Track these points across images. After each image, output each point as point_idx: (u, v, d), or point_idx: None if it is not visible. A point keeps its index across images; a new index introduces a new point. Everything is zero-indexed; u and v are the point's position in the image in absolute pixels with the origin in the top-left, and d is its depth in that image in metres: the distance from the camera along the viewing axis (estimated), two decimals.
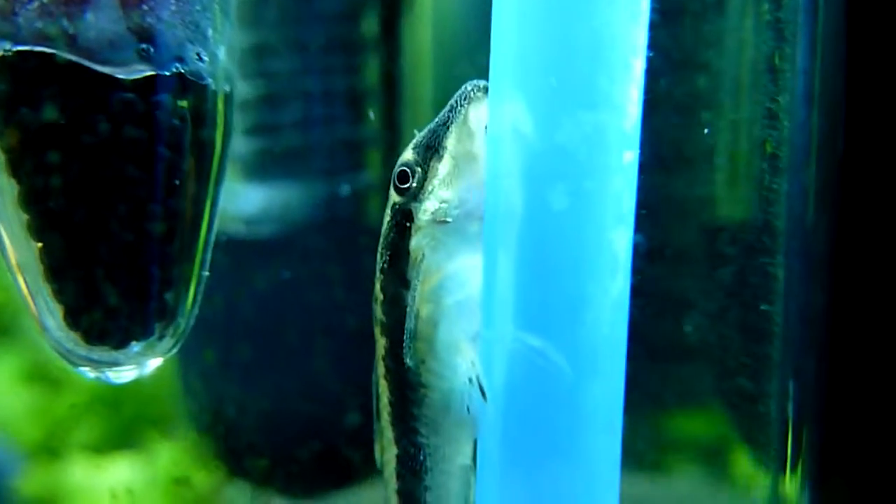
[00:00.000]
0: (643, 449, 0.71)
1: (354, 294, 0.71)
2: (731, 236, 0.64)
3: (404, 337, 0.41)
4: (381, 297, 0.42)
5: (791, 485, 0.66)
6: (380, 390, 0.44)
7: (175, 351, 0.43)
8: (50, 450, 0.91)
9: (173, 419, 0.90)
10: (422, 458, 0.43)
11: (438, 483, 0.43)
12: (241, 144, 0.72)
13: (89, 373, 0.42)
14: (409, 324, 0.41)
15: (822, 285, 0.65)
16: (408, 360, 0.41)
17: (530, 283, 0.40)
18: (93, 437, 0.92)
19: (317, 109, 0.75)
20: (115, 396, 0.94)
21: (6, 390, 0.94)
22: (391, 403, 0.43)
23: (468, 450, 0.43)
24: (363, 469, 0.75)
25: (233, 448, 0.80)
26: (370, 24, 0.78)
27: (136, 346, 0.41)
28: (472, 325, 0.41)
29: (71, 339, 0.41)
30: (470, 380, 0.40)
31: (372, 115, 0.48)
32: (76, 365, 0.42)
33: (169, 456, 0.91)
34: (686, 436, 0.75)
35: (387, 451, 0.44)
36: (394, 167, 0.43)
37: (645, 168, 0.41)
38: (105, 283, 0.40)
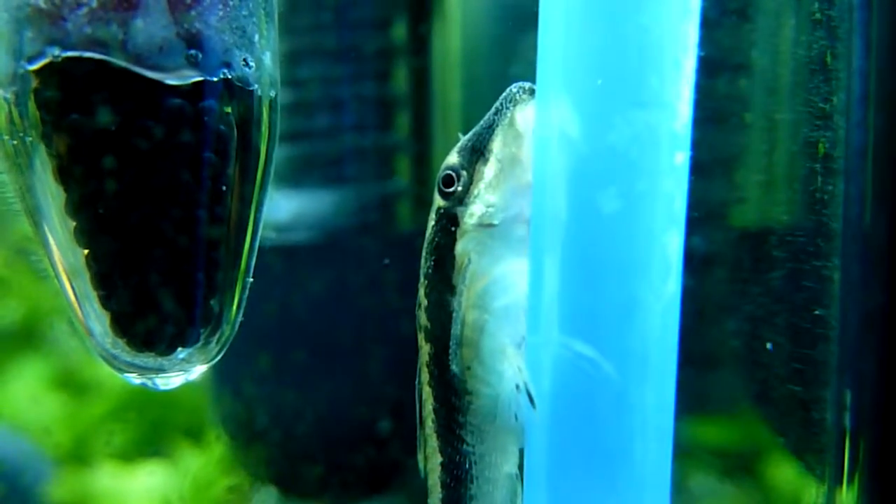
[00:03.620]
0: (689, 459, 0.71)
1: (388, 300, 0.72)
2: (784, 239, 0.64)
3: (450, 343, 0.41)
4: (425, 302, 0.43)
5: (847, 497, 0.65)
6: (424, 397, 0.44)
7: (220, 357, 0.44)
8: (78, 456, 0.92)
9: (203, 427, 0.91)
10: (467, 466, 0.43)
11: (484, 492, 0.43)
12: None
13: (135, 379, 0.43)
14: (456, 329, 0.41)
15: (881, 289, 0.64)
16: (454, 367, 0.41)
17: (578, 288, 0.40)
18: (122, 444, 0.93)
19: (347, 116, 0.76)
20: (144, 404, 0.95)
21: (34, 397, 0.95)
22: (436, 411, 0.43)
23: (515, 458, 0.44)
24: (404, 475, 0.76)
25: (263, 454, 0.80)
26: (400, 31, 0.79)
27: (181, 353, 0.42)
28: (518, 331, 0.41)
29: (118, 346, 0.41)
30: (517, 386, 0.40)
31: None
32: (122, 371, 0.42)
33: (199, 463, 0.91)
34: (736, 445, 0.74)
35: (431, 460, 0.44)
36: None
37: (694, 170, 0.41)
38: (152, 290, 0.40)
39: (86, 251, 0.40)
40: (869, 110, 0.57)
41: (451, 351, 0.41)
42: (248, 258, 0.43)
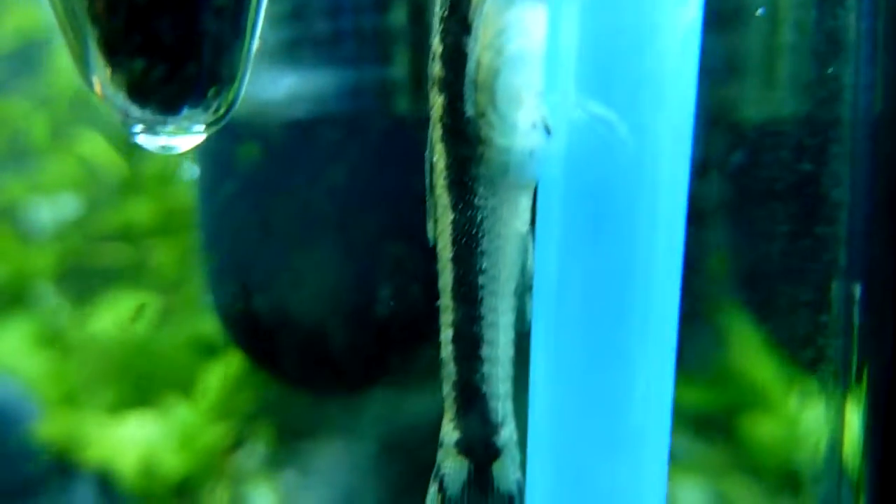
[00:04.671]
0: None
1: (386, 178, 0.72)
2: (790, 129, 0.63)
3: (465, 85, 0.40)
4: (439, 49, 0.42)
5: (856, 395, 0.64)
6: (435, 158, 0.43)
7: (222, 123, 0.43)
8: (67, 407, 0.91)
9: (193, 382, 0.90)
10: (479, 220, 0.42)
11: (495, 247, 0.42)
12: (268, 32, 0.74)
13: (141, 138, 0.43)
14: (471, 70, 0.40)
15: (891, 177, 0.63)
16: (468, 110, 0.41)
17: (595, 40, 0.40)
18: (110, 399, 0.92)
19: None
20: (132, 362, 0.94)
21: (21, 355, 0.95)
22: (447, 167, 0.43)
23: (526, 215, 0.43)
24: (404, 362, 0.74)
25: (260, 340, 0.79)
26: None
27: (185, 110, 0.42)
28: (534, 80, 0.41)
29: (126, 100, 0.41)
30: (534, 124, 0.40)
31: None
32: (131, 128, 0.42)
33: (188, 414, 0.91)
34: (711, 405, 0.73)
35: (441, 220, 0.43)
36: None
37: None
38: (155, 44, 0.40)
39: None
40: None
41: (465, 93, 0.40)
42: (254, 24, 0.43)
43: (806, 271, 0.66)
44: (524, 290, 0.43)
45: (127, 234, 0.94)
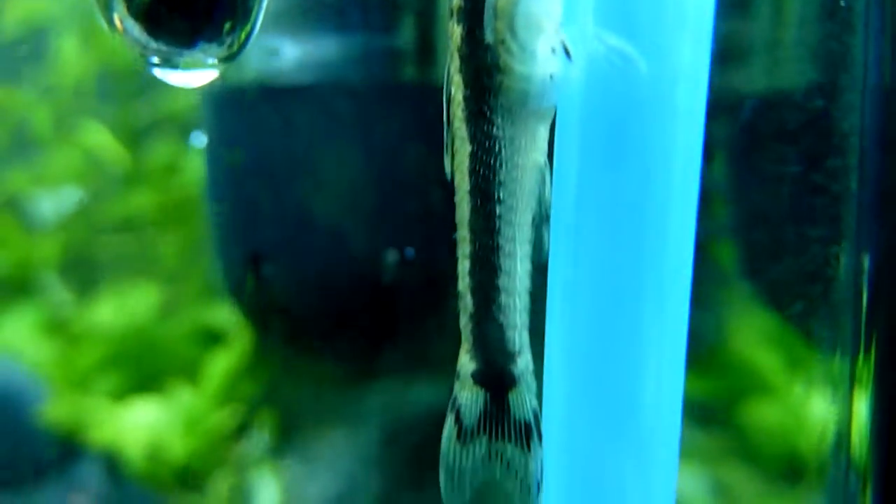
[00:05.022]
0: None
1: (393, 142, 0.72)
2: (797, 100, 0.63)
3: (485, 11, 0.40)
4: None
5: (864, 366, 0.63)
6: (453, 90, 0.43)
7: (234, 59, 0.44)
8: (73, 394, 0.91)
9: (197, 370, 0.90)
10: (497, 150, 0.42)
11: (513, 177, 0.42)
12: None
13: (158, 70, 0.43)
14: None
15: None
16: (487, 35, 0.41)
17: None
18: (116, 385, 0.92)
19: None
20: (137, 351, 0.95)
21: (27, 342, 0.95)
22: (465, 98, 0.43)
23: (544, 146, 0.43)
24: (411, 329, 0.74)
25: (269, 308, 0.79)
26: None
27: (200, 43, 0.42)
28: (554, 7, 0.41)
29: (145, 34, 0.42)
30: (553, 49, 0.40)
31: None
32: (148, 60, 0.42)
33: (193, 399, 0.91)
34: (706, 394, 0.72)
35: (459, 152, 0.43)
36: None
37: None
38: None
39: None
40: None
41: (485, 19, 0.41)
42: None
43: (812, 238, 0.66)
44: (541, 220, 0.43)
45: (131, 225, 0.94)
